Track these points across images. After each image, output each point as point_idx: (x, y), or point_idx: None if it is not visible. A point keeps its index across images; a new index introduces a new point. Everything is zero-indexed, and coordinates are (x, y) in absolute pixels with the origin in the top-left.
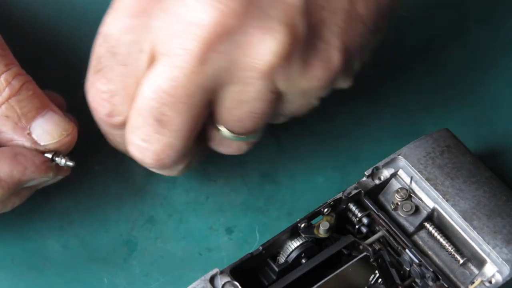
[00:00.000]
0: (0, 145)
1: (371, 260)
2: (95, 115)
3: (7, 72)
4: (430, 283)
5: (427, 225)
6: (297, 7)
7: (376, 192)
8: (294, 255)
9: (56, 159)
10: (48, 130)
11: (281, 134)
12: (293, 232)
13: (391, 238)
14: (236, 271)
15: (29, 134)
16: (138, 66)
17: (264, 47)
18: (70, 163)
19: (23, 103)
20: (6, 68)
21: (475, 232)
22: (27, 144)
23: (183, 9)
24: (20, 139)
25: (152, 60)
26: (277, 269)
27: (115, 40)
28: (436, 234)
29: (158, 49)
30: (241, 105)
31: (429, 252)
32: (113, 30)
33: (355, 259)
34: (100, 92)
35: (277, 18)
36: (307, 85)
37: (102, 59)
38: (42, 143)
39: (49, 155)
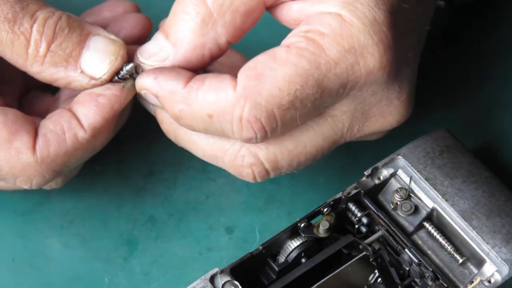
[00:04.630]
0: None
1: (371, 259)
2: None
3: (37, 23)
4: (430, 282)
5: (427, 224)
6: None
7: (375, 192)
8: (294, 254)
9: (122, 74)
10: (97, 62)
11: None
12: (293, 232)
13: (390, 238)
14: (236, 271)
15: (82, 72)
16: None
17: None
18: (130, 70)
19: (64, 45)
20: (33, 19)
21: (474, 232)
22: (85, 81)
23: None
24: (78, 80)
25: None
26: (277, 269)
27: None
28: (435, 233)
29: None
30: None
31: (429, 252)
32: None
33: (354, 259)
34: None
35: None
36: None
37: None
38: (97, 76)
39: (118, 78)
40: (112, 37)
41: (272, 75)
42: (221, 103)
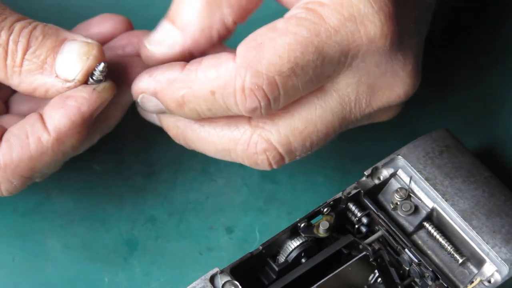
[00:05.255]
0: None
1: (371, 259)
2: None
3: (13, 33)
4: (430, 282)
5: (427, 224)
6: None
7: (375, 192)
8: (294, 254)
9: (96, 75)
10: (70, 64)
11: None
12: (293, 232)
13: (390, 238)
14: (236, 271)
15: (57, 76)
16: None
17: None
18: (102, 70)
19: (38, 52)
20: (10, 30)
21: (474, 232)
22: (60, 85)
23: None
24: (54, 85)
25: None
26: (277, 269)
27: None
28: (435, 233)
29: None
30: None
31: (429, 252)
32: None
33: (354, 259)
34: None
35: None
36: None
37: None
38: (71, 78)
39: (92, 80)
40: (87, 40)
41: (272, 44)
42: (222, 77)
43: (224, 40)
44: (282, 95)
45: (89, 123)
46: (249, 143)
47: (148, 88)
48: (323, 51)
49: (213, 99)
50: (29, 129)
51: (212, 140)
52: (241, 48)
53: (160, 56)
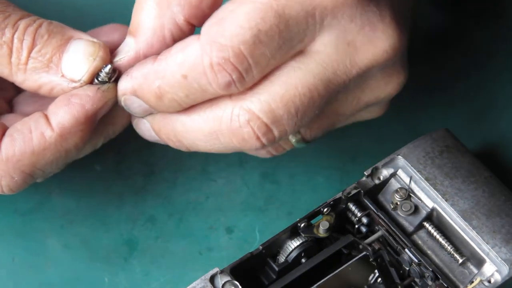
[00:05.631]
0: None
1: (371, 259)
2: (203, 80)
3: (18, 31)
4: (430, 282)
5: (427, 224)
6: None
7: (375, 192)
8: (294, 254)
9: (101, 76)
10: (76, 64)
11: None
12: (293, 232)
13: (390, 238)
14: (236, 271)
15: (63, 75)
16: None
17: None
18: (108, 72)
19: (43, 50)
20: (15, 27)
21: (474, 232)
22: (66, 84)
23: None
24: (60, 84)
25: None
26: (277, 269)
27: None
28: (435, 233)
29: None
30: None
31: (429, 252)
32: None
33: (354, 259)
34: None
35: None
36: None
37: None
38: (77, 78)
39: (98, 81)
40: (93, 39)
41: (232, 16)
42: (190, 59)
43: (180, 40)
44: (252, 65)
45: (93, 122)
46: (231, 117)
47: (127, 88)
48: (285, 14)
49: (187, 83)
50: (32, 124)
51: (199, 126)
52: (205, 26)
53: (122, 64)
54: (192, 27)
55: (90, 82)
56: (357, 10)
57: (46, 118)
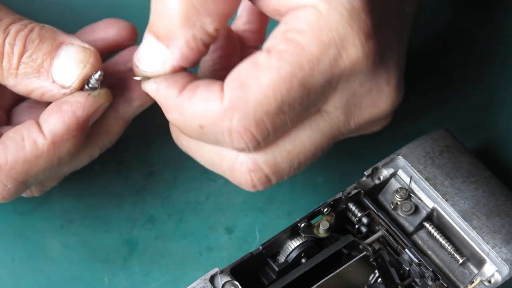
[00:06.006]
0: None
1: (371, 259)
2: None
3: (9, 36)
4: (430, 282)
5: (427, 224)
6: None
7: (375, 192)
8: (294, 254)
9: (92, 83)
10: (66, 70)
11: None
12: (293, 232)
13: (390, 238)
14: (236, 271)
15: (54, 81)
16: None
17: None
18: (98, 79)
19: (34, 55)
20: (6, 32)
21: (475, 232)
22: (56, 90)
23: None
24: (50, 89)
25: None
26: (277, 269)
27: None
28: (435, 233)
29: None
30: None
31: (429, 252)
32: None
33: (354, 259)
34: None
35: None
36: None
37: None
38: (67, 85)
39: (88, 87)
40: (85, 45)
41: (257, 83)
42: (211, 115)
43: (211, 44)
44: (271, 134)
45: (85, 128)
46: (235, 161)
47: (151, 94)
48: (308, 84)
49: (202, 132)
50: (25, 132)
51: (201, 151)
52: (227, 88)
53: (152, 75)
54: (219, 31)
55: (81, 88)
56: (368, 75)
57: (38, 125)
